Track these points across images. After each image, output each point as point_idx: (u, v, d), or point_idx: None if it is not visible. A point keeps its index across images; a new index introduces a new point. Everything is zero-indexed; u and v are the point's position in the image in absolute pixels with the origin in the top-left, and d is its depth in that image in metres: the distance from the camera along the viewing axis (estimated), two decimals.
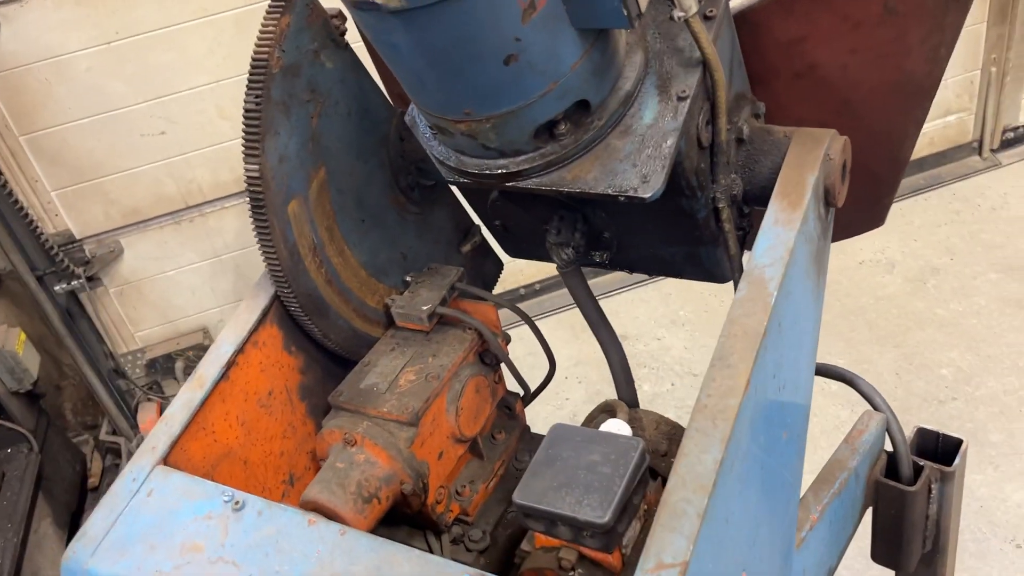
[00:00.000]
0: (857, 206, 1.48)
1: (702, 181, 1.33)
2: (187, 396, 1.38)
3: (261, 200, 1.38)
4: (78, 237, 3.58)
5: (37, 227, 3.39)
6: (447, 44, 1.08)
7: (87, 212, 3.56)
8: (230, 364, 1.43)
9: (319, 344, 1.59)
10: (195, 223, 3.70)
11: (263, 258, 1.45)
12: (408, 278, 1.69)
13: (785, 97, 1.45)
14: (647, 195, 1.22)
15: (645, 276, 3.88)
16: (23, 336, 3.31)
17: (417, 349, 1.59)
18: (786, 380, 1.27)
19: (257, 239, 1.42)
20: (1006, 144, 4.69)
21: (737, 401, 1.08)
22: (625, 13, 1.05)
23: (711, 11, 1.24)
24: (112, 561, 1.21)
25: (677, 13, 1.16)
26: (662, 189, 1.22)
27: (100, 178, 3.49)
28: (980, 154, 4.69)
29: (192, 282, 3.85)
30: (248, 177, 1.37)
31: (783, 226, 1.23)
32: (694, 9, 1.15)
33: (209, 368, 1.41)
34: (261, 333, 1.49)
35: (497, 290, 2.02)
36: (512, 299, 4.09)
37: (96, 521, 1.27)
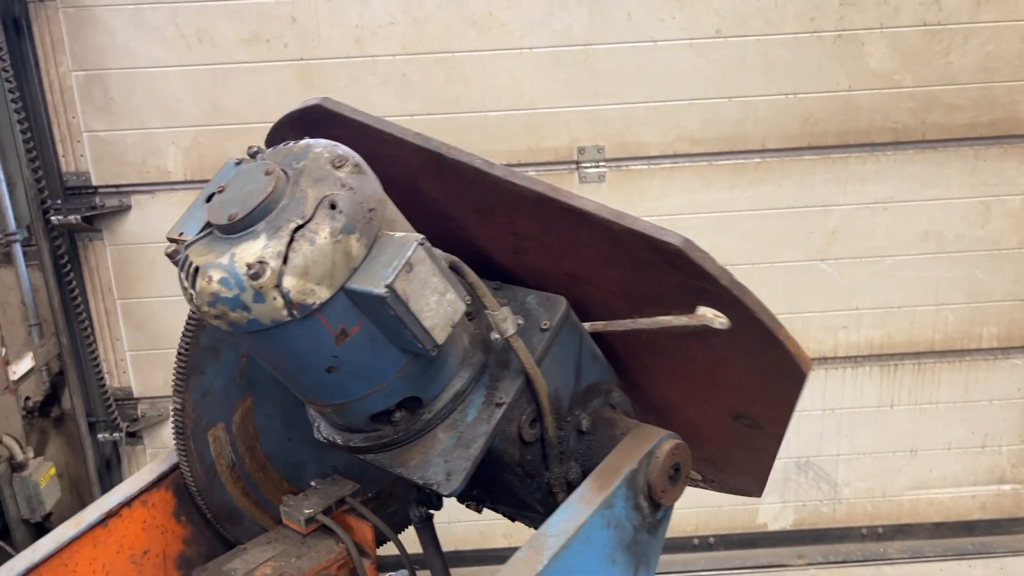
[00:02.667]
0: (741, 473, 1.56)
1: (531, 470, 1.47)
2: (60, 532, 1.56)
3: (181, 428, 1.64)
4: (135, 396, 3.96)
5: (104, 379, 3.81)
6: (280, 355, 1.33)
7: (150, 376, 3.96)
8: (111, 514, 1.60)
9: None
10: None
11: (182, 471, 1.68)
12: (313, 483, 1.84)
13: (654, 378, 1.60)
14: (446, 492, 1.38)
15: None
16: (52, 471, 3.60)
17: (287, 548, 1.71)
18: None
19: (176, 456, 1.66)
20: None
21: None
22: (421, 346, 1.25)
23: (545, 324, 1.44)
24: None
25: (494, 335, 1.37)
26: (461, 488, 1.38)
27: (170, 349, 3.90)
28: None
29: None
30: (172, 408, 1.64)
31: (583, 503, 1.33)
32: (511, 331, 1.36)
33: (90, 512, 1.59)
34: (154, 495, 1.67)
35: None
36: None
37: None
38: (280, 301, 1.18)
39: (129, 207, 3.61)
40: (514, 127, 3.52)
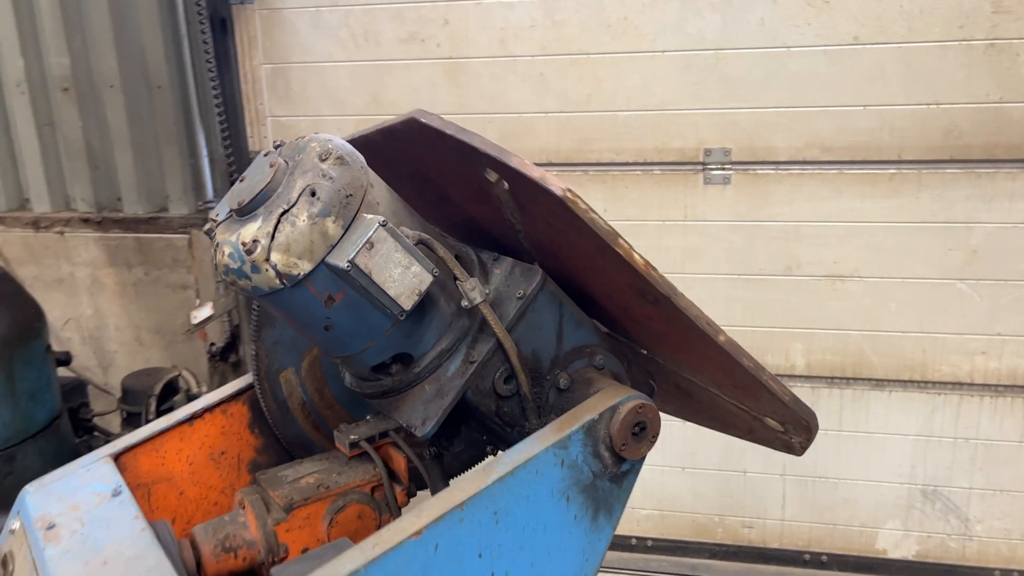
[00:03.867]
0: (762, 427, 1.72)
1: (509, 420, 1.67)
2: (154, 425, 1.94)
3: (257, 370, 1.97)
4: None
5: None
6: (287, 316, 1.61)
7: None
8: (196, 416, 1.96)
9: None
10: None
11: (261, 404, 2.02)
12: (368, 417, 2.13)
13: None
14: (421, 435, 1.62)
15: None
16: None
17: (333, 465, 2.00)
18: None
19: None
20: None
21: (399, 539, 1.36)
22: (390, 312, 1.48)
23: (520, 293, 1.62)
24: (39, 497, 1.76)
25: (464, 303, 1.57)
26: (433, 431, 1.61)
27: None
28: None
29: None
30: (249, 354, 1.98)
31: (537, 441, 1.51)
32: (478, 300, 1.56)
33: (179, 412, 1.96)
34: (232, 406, 2.02)
35: None
36: None
37: (54, 475, 1.83)
38: (272, 272, 1.46)
39: None
40: (642, 126, 3.66)
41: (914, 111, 3.41)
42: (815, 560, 4.02)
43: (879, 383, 3.75)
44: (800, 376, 3.80)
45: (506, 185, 1.60)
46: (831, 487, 3.92)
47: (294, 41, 3.90)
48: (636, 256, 1.52)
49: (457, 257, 1.73)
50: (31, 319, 3.58)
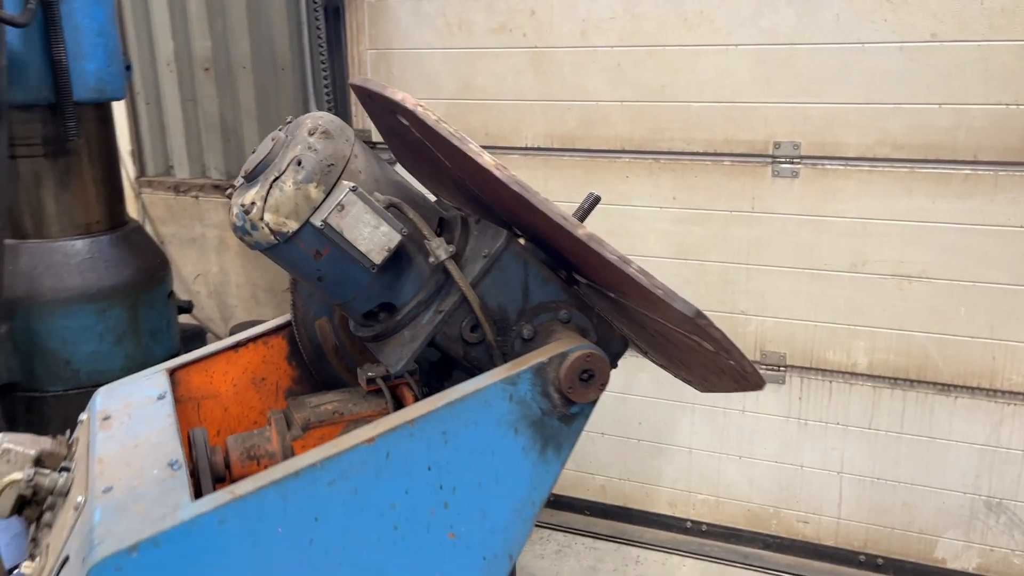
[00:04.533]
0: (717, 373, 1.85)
1: (477, 364, 1.89)
2: (204, 349, 2.28)
3: (294, 318, 2.27)
4: None
5: None
6: (288, 267, 1.90)
7: None
8: (241, 344, 2.29)
9: None
10: None
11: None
12: None
13: None
14: (395, 372, 1.89)
15: None
16: None
17: (352, 397, 2.28)
18: (459, 492, 1.70)
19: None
20: None
21: (353, 443, 1.61)
22: (362, 265, 1.74)
23: (486, 252, 1.83)
24: (106, 396, 2.13)
25: (431, 259, 1.79)
26: (404, 369, 1.88)
27: None
28: None
29: None
30: (289, 303, 2.29)
31: (488, 376, 1.72)
32: (443, 256, 1.79)
33: (227, 340, 2.30)
34: (273, 339, 2.34)
35: None
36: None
37: (122, 380, 2.21)
38: (267, 230, 1.74)
39: (394, 161, 4.45)
40: (713, 118, 3.75)
41: (992, 111, 3.34)
42: (870, 562, 3.99)
43: (944, 388, 3.68)
44: (862, 375, 3.79)
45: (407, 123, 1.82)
46: (890, 489, 3.87)
47: (396, 29, 4.24)
48: (486, 158, 1.69)
49: (443, 220, 1.97)
50: (157, 267, 4.08)
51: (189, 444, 1.97)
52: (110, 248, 3.87)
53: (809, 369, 3.86)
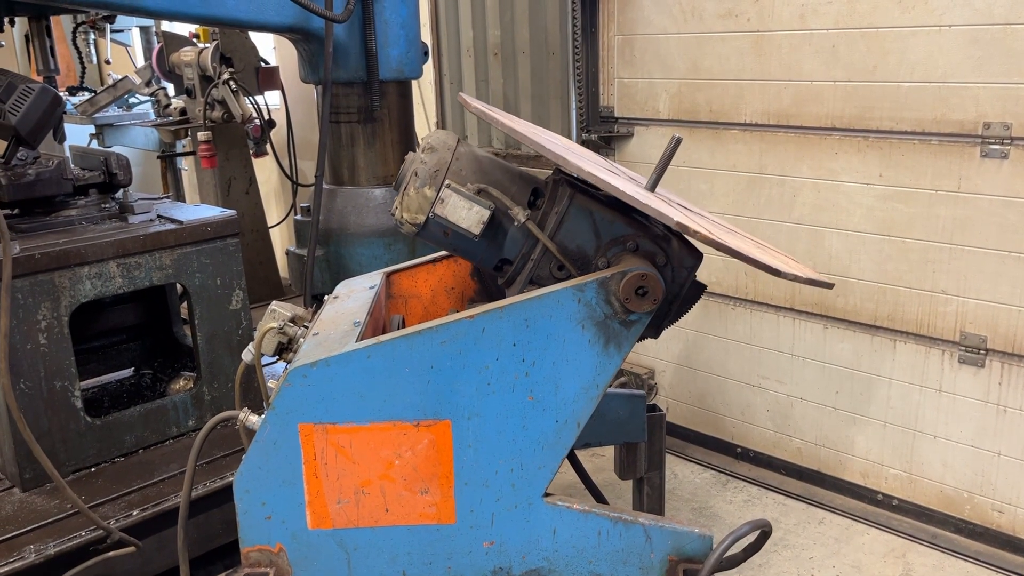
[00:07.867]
0: None
1: None
2: (414, 260, 3.08)
3: None
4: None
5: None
6: (435, 244, 2.58)
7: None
8: (438, 259, 3.07)
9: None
10: None
11: None
12: None
13: None
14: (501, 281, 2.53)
15: None
16: None
17: None
18: (537, 366, 2.31)
19: None
20: None
21: (456, 319, 2.29)
22: (468, 236, 2.40)
23: (557, 210, 2.39)
24: (342, 285, 3.02)
25: (517, 220, 2.36)
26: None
27: None
28: None
29: None
30: None
31: (562, 284, 2.30)
32: (523, 219, 2.38)
33: (428, 256, 3.09)
34: (459, 261, 3.08)
35: None
36: None
37: (358, 277, 3.09)
38: (409, 224, 2.47)
39: (632, 134, 5.02)
40: (923, 98, 3.83)
41: None
42: None
43: None
44: None
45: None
46: None
47: (639, 16, 4.79)
48: (506, 123, 2.27)
49: (536, 189, 2.54)
50: None
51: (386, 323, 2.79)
52: None
53: (1011, 355, 3.81)
